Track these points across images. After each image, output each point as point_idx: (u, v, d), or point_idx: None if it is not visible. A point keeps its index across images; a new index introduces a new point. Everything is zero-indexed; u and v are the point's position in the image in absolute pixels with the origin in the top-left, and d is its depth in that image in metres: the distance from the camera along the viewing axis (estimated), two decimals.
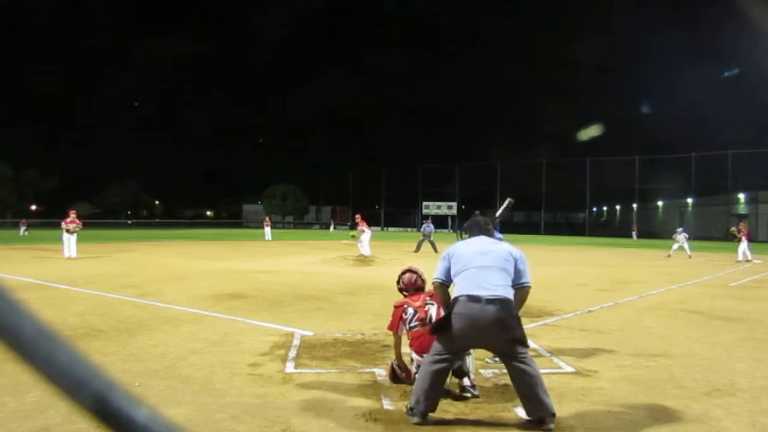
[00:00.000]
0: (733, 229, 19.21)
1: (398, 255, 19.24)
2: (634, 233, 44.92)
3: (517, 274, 3.62)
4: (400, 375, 4.21)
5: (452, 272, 3.64)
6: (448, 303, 3.64)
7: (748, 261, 17.86)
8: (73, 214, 16.15)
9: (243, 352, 5.15)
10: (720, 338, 6.15)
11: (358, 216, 18.34)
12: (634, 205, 58.29)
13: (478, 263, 3.55)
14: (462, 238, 4.06)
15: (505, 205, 5.52)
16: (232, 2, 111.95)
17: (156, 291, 9.11)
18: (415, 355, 4.03)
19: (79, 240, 16.36)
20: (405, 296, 4.40)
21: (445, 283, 3.70)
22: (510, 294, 3.51)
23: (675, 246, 20.89)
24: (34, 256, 16.93)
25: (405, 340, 4.25)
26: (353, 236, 18.54)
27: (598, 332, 6.35)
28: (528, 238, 39.99)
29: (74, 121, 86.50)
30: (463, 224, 4.10)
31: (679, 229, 21.71)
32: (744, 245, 18.30)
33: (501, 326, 3.37)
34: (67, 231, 15.68)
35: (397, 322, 4.22)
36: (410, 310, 4.18)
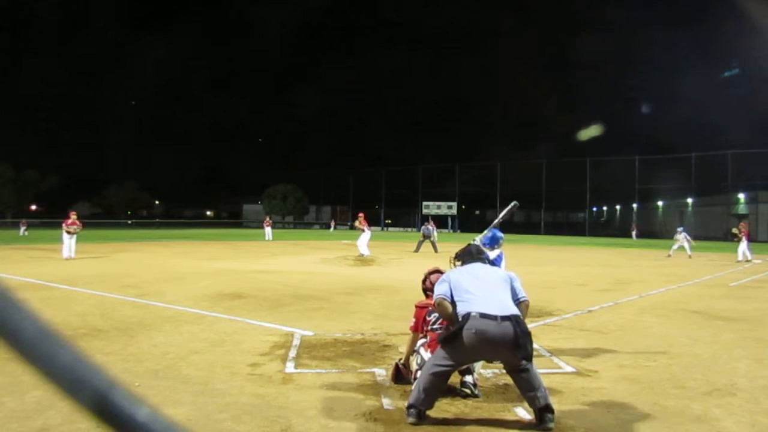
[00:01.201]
0: (735, 229, 19.21)
1: (398, 255, 19.26)
2: (633, 233, 44.53)
3: (514, 291, 3.76)
4: (405, 375, 4.20)
5: (454, 296, 3.65)
6: (452, 318, 3.64)
7: (747, 261, 17.86)
8: (73, 216, 16.16)
9: (243, 352, 5.15)
10: (720, 338, 6.15)
11: (361, 214, 18.42)
12: (634, 205, 58.26)
13: (483, 284, 3.65)
14: (454, 266, 4.09)
15: (509, 207, 5.57)
16: (233, 2, 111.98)
17: (156, 291, 9.11)
18: (426, 355, 4.02)
19: (79, 240, 16.36)
20: (428, 296, 4.39)
21: (448, 300, 3.69)
22: (517, 311, 3.56)
23: (675, 246, 20.87)
24: (34, 256, 16.93)
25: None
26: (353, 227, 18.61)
27: (598, 332, 6.35)
28: (528, 238, 40.00)
29: (74, 121, 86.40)
30: (456, 253, 4.18)
31: (679, 229, 21.74)
32: (744, 245, 18.32)
33: (515, 343, 3.38)
34: (68, 233, 15.71)
35: (420, 324, 4.22)
36: (435, 314, 4.15)
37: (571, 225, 62.39)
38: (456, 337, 3.48)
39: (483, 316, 3.43)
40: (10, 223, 44.24)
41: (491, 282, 3.70)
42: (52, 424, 3.30)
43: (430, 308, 4.20)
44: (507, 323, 3.41)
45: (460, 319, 3.53)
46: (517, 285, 3.80)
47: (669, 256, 20.28)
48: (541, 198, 56.05)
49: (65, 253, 15.46)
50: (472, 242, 4.34)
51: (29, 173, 56.04)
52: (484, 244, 5.31)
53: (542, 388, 3.42)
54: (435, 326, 4.14)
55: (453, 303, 3.65)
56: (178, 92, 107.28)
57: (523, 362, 3.45)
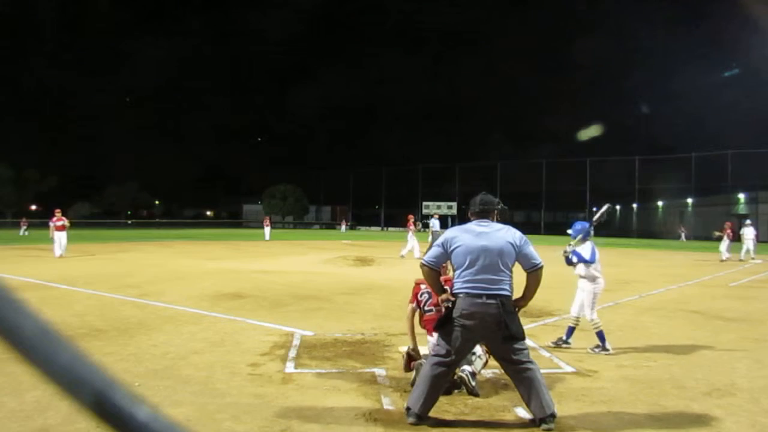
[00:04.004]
0: (716, 232, 18.92)
1: (398, 255, 19.22)
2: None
3: (525, 258, 3.56)
4: (416, 359, 4.18)
5: (454, 264, 3.61)
6: (438, 287, 3.68)
7: (722, 261, 17.75)
8: (58, 213, 16.47)
9: (243, 352, 5.15)
10: (720, 338, 6.15)
11: (410, 216, 19.18)
12: (634, 205, 58.27)
13: (480, 260, 3.49)
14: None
15: (603, 209, 5.72)
16: (232, 1, 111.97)
17: (156, 291, 9.11)
18: (430, 338, 4.12)
19: (79, 240, 16.43)
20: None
21: (434, 269, 3.65)
22: (509, 289, 3.53)
23: (745, 247, 18.51)
24: (34, 255, 16.91)
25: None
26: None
27: None
28: (528, 238, 39.92)
29: (74, 120, 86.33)
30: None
31: (747, 222, 19.78)
32: (725, 244, 18.28)
33: (500, 323, 3.41)
34: (57, 230, 16.02)
35: (414, 297, 4.40)
36: (426, 294, 4.28)
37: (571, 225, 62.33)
38: (447, 320, 3.51)
39: (471, 296, 3.44)
40: (10, 223, 44.19)
41: (489, 255, 3.48)
42: (52, 424, 3.30)
43: (422, 285, 4.28)
44: (492, 302, 3.41)
45: (452, 292, 3.57)
46: (528, 250, 3.55)
47: (753, 259, 18.26)
48: (541, 198, 56.09)
49: (57, 252, 15.73)
50: (484, 193, 3.88)
51: (29, 173, 56.03)
52: (574, 236, 5.58)
53: (546, 395, 3.38)
54: (427, 308, 4.26)
55: (439, 267, 3.68)
56: (179, 92, 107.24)
57: (517, 347, 3.43)
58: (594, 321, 5.46)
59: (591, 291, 5.52)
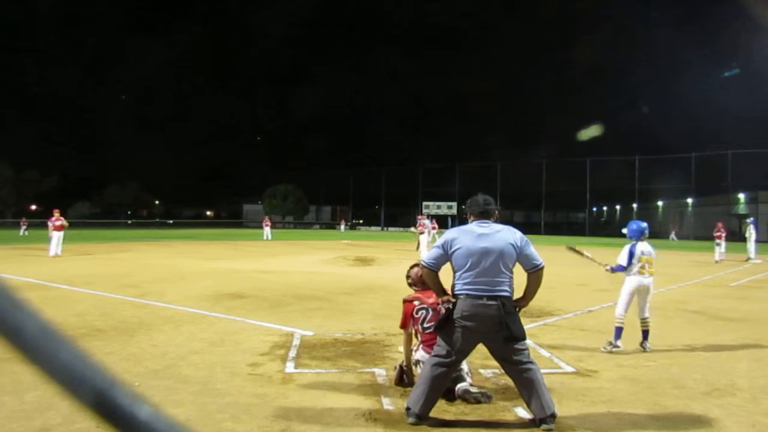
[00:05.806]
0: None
1: (398, 255, 19.24)
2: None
3: (526, 259, 3.56)
4: (409, 378, 4.09)
5: (455, 266, 3.58)
6: (439, 288, 3.66)
7: (716, 262, 17.65)
8: (57, 213, 16.74)
9: (243, 352, 5.15)
10: (720, 338, 6.16)
11: (420, 217, 19.07)
12: (634, 205, 58.31)
13: (481, 262, 3.49)
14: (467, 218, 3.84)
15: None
16: (233, 1, 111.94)
17: (156, 291, 9.11)
18: (423, 355, 3.95)
19: (79, 239, 16.45)
20: (415, 291, 4.32)
21: (434, 270, 3.64)
22: (510, 289, 3.52)
23: (752, 246, 18.61)
24: (34, 255, 16.91)
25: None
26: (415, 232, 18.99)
27: (598, 332, 6.35)
28: (528, 238, 39.93)
29: (74, 121, 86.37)
30: (466, 201, 3.85)
31: (749, 221, 19.77)
32: (722, 245, 18.20)
33: (501, 324, 3.41)
34: (55, 229, 16.28)
35: (407, 319, 4.13)
36: (423, 310, 4.07)
37: (571, 225, 62.44)
38: (447, 321, 3.51)
39: (471, 297, 3.44)
40: (10, 223, 44.17)
41: (490, 256, 3.47)
42: (52, 424, 3.30)
43: (416, 301, 4.14)
44: (492, 303, 3.41)
45: (452, 293, 3.56)
46: (529, 251, 3.56)
47: (750, 259, 18.39)
48: (541, 198, 56.12)
49: (52, 251, 15.93)
50: (481, 193, 3.84)
51: (29, 173, 56.04)
52: (631, 237, 5.76)
53: (546, 396, 3.38)
54: (426, 325, 4.03)
55: (439, 268, 3.62)
56: (179, 92, 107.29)
57: (517, 348, 3.43)
58: (617, 315, 5.67)
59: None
